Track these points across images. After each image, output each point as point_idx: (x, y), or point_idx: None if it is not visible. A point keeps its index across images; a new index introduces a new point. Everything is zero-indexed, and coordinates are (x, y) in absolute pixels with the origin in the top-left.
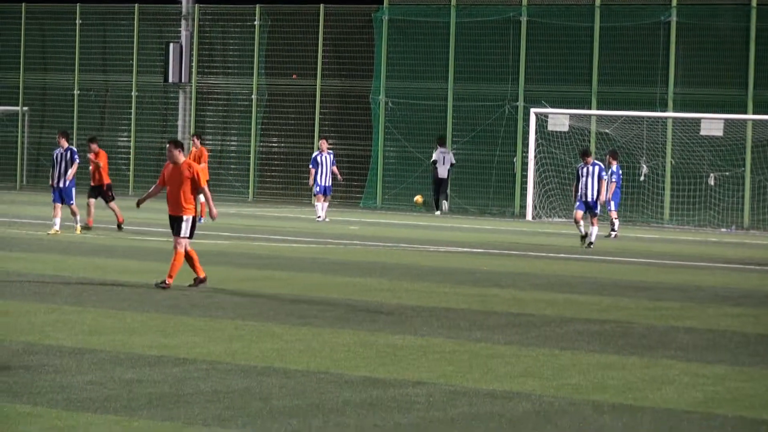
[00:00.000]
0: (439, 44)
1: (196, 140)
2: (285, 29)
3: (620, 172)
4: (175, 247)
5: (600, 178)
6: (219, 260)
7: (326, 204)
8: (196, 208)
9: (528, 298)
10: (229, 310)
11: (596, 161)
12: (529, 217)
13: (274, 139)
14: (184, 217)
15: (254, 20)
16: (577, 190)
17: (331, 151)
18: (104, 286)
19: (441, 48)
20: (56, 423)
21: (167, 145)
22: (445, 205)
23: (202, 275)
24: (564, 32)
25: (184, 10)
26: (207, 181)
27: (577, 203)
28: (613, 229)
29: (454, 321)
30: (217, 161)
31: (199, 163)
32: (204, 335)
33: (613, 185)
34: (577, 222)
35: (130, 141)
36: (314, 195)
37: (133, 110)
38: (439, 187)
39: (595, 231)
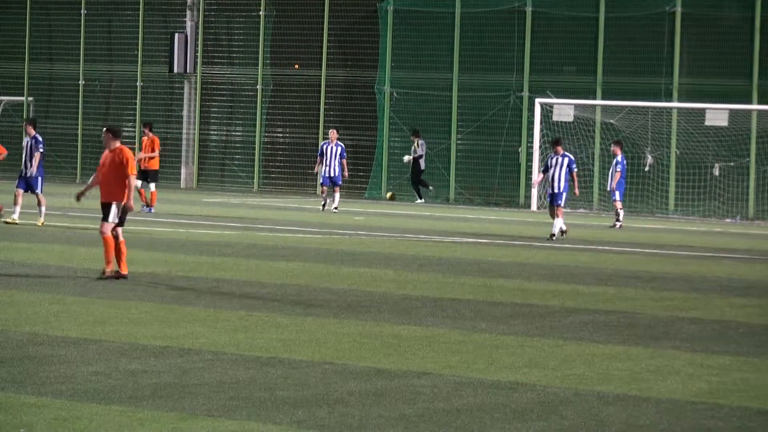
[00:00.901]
0: (444, 34)
1: (146, 130)
2: (290, 19)
3: (625, 161)
4: (102, 233)
5: (570, 170)
6: (224, 251)
7: (337, 195)
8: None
9: (533, 288)
10: (233, 300)
11: (566, 153)
12: (533, 207)
13: (279, 130)
14: (113, 203)
15: (259, 10)
16: (542, 181)
17: (339, 143)
18: (109, 277)
19: (446, 38)
20: (61, 413)
21: (103, 130)
22: (429, 192)
23: (124, 272)
24: (569, 22)
25: (189, 0)
26: (156, 171)
27: (548, 198)
28: (617, 219)
29: (459, 311)
30: (222, 151)
31: (153, 151)
32: (208, 326)
33: (618, 174)
34: (554, 217)
35: (135, 131)
36: (321, 185)
37: (138, 101)
38: (419, 177)
39: (559, 223)
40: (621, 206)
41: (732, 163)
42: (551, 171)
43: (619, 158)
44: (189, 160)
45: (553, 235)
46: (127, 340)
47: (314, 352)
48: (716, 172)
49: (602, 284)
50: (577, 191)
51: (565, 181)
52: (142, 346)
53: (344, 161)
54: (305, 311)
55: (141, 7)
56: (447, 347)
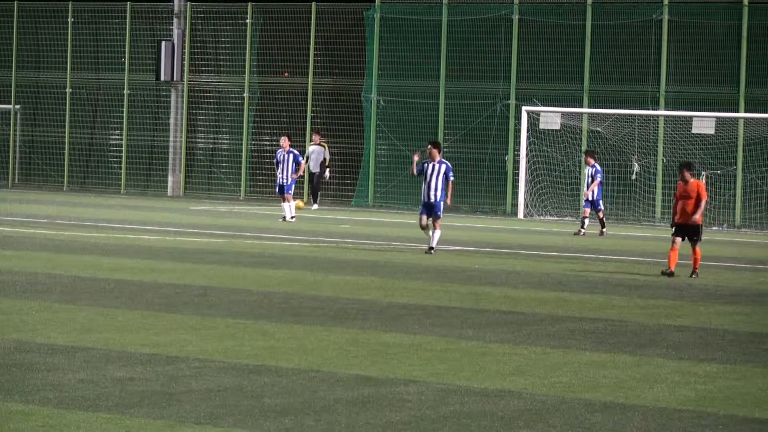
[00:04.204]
0: (431, 42)
1: None
2: (277, 27)
3: (601, 169)
4: None
5: (447, 177)
6: (211, 258)
7: (285, 204)
8: None
9: (520, 296)
10: (221, 308)
11: (444, 160)
12: (520, 215)
13: (266, 138)
14: None
15: (246, 18)
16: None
17: (292, 150)
18: (96, 284)
19: (433, 46)
20: (48, 421)
21: None
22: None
23: None
24: (556, 30)
25: (176, 8)
26: None
27: (421, 207)
28: (603, 226)
29: (445, 319)
30: (209, 159)
31: None
32: (196, 333)
33: (596, 183)
34: (422, 228)
35: (122, 139)
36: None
37: (125, 108)
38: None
39: (437, 235)
40: (591, 214)
41: (719, 171)
42: (427, 179)
43: (597, 167)
44: (176, 168)
45: (432, 248)
46: (114, 347)
47: (301, 359)
48: (703, 180)
49: (589, 292)
50: (449, 201)
51: (441, 189)
52: (129, 354)
53: (295, 175)
54: (292, 319)
55: (128, 15)
56: (434, 355)
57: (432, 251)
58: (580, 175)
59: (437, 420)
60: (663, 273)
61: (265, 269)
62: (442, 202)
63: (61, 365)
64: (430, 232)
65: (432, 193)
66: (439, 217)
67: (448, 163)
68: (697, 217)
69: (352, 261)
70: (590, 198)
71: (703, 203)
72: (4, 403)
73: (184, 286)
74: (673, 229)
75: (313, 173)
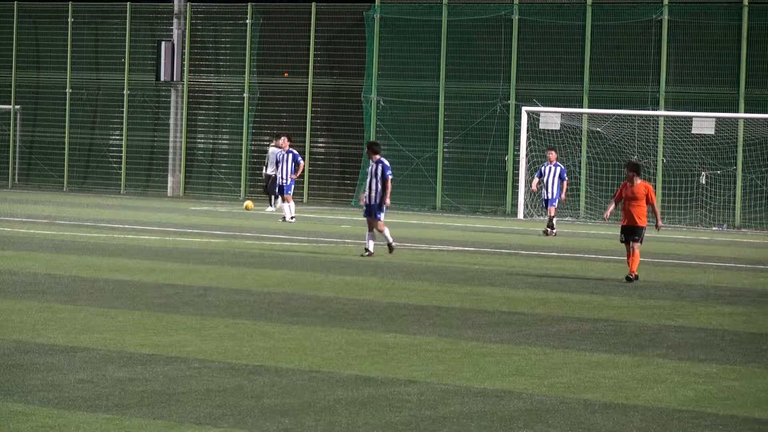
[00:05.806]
0: (431, 43)
1: None
2: (277, 27)
3: (562, 166)
4: None
5: (384, 177)
6: (211, 259)
7: (284, 204)
8: None
9: (519, 296)
10: (221, 308)
11: (382, 159)
12: (520, 215)
13: (266, 138)
14: None
15: (246, 18)
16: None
17: (291, 150)
18: (96, 284)
19: (433, 46)
20: (48, 421)
21: None
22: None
23: None
24: (555, 31)
25: (176, 8)
26: None
27: (364, 208)
28: (552, 227)
29: (445, 319)
30: (209, 160)
31: None
32: (196, 334)
33: (565, 183)
34: (371, 230)
35: (122, 139)
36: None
37: (125, 109)
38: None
39: (386, 232)
40: (553, 213)
41: (719, 172)
42: (368, 179)
43: (562, 166)
44: (176, 168)
45: (390, 244)
46: (114, 347)
47: (301, 360)
48: (703, 181)
49: (589, 292)
50: (388, 200)
51: (381, 191)
52: (129, 354)
53: (294, 175)
54: (292, 319)
55: (128, 15)
56: (433, 355)
57: (391, 248)
58: (580, 175)
59: (437, 420)
60: (627, 279)
61: (265, 269)
62: (382, 204)
63: (60, 365)
64: (385, 232)
65: (374, 194)
66: (379, 220)
67: (386, 162)
68: (645, 220)
69: (351, 261)
70: (551, 196)
71: (657, 209)
72: (4, 403)
73: (184, 286)
74: (621, 236)
75: (270, 175)
